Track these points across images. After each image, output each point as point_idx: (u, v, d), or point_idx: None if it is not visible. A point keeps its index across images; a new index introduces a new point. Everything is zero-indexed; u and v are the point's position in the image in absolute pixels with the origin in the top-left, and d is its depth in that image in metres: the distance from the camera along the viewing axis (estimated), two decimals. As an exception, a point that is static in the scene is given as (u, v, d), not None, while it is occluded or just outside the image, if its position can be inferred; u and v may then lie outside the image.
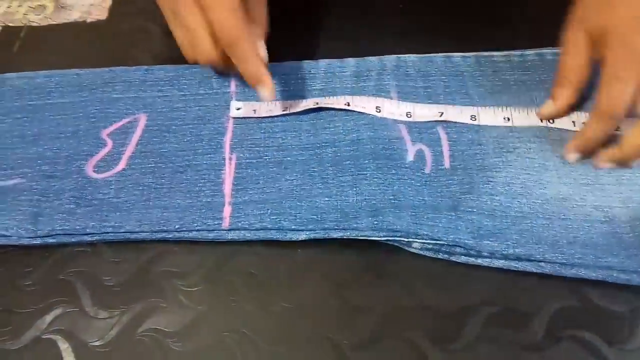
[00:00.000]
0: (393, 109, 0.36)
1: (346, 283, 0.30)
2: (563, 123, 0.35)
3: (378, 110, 0.36)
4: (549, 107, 0.34)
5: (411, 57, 0.39)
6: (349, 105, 0.36)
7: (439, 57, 0.39)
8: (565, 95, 0.33)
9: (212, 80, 0.39)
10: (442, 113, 0.36)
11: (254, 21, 0.35)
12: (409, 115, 0.36)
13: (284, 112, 0.36)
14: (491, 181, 0.33)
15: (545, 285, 0.30)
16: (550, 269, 0.29)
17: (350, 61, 0.39)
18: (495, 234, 0.30)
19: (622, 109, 0.30)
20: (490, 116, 0.36)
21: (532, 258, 0.29)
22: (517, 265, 0.30)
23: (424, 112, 0.36)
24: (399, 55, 0.39)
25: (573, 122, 0.35)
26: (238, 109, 0.37)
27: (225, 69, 0.37)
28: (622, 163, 0.32)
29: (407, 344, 0.28)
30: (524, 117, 0.35)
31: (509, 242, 0.30)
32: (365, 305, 0.30)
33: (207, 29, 0.33)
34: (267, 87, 0.34)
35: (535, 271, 0.30)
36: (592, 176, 0.33)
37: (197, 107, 0.37)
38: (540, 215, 0.31)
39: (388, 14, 0.43)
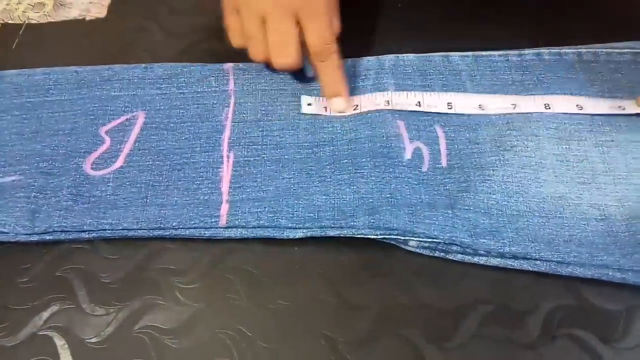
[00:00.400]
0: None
1: (343, 281, 0.30)
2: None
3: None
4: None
5: (409, 57, 0.39)
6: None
7: (437, 56, 0.39)
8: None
9: (211, 78, 0.39)
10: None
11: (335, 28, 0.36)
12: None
13: (355, 112, 0.36)
14: (488, 180, 0.33)
15: (541, 283, 0.30)
16: (546, 267, 0.29)
17: (348, 61, 0.39)
18: (491, 232, 0.30)
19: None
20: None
21: (528, 256, 0.30)
22: (513, 264, 0.30)
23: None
24: (397, 55, 0.39)
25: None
26: (309, 104, 0.37)
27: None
28: None
29: (403, 342, 0.28)
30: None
31: (505, 241, 0.30)
32: (362, 304, 0.30)
33: (297, 35, 0.34)
34: (345, 99, 0.36)
35: (531, 269, 0.30)
36: (588, 175, 0.33)
37: (196, 105, 0.37)
38: (537, 214, 0.31)
39: (386, 13, 0.43)
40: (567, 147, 0.34)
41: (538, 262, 0.30)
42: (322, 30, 0.34)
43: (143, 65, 0.39)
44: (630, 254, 0.29)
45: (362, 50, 0.39)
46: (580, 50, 0.38)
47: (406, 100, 0.36)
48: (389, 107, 0.36)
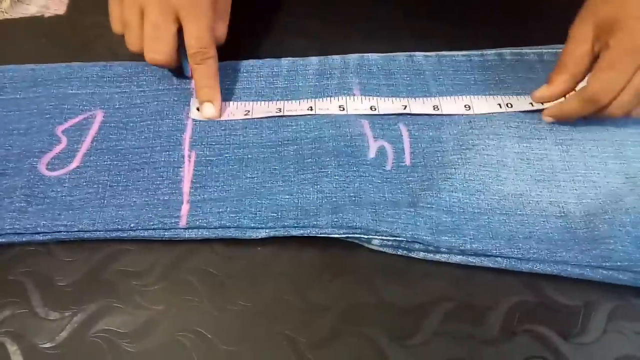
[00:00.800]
0: (357, 105, 0.36)
1: (305, 281, 0.30)
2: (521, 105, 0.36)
3: (342, 109, 0.36)
4: (543, 91, 0.35)
5: (374, 56, 0.39)
6: (312, 109, 0.36)
7: (401, 56, 0.39)
8: (561, 80, 0.34)
9: (173, 77, 0.38)
10: (406, 106, 0.36)
11: (216, 34, 0.36)
12: (373, 109, 0.36)
13: (246, 117, 0.36)
14: (450, 178, 0.33)
15: (502, 280, 0.30)
16: (506, 264, 0.30)
17: (314, 59, 0.39)
18: (453, 229, 0.31)
19: (608, 98, 0.31)
20: (452, 105, 0.36)
21: (489, 253, 0.30)
22: (474, 261, 0.30)
23: (388, 105, 0.36)
24: (362, 54, 0.39)
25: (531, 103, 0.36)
26: (198, 109, 0.36)
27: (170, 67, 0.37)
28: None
29: (365, 340, 0.28)
30: (483, 104, 0.36)
31: (466, 238, 0.30)
32: (325, 303, 0.29)
33: (174, 34, 0.34)
34: (217, 105, 0.36)
35: (492, 266, 0.30)
36: (548, 173, 0.33)
37: (156, 103, 0.37)
38: (498, 211, 0.32)
39: (352, 13, 0.43)
40: (528, 145, 0.34)
41: (499, 258, 0.30)
42: (200, 32, 0.34)
43: (102, 63, 0.38)
44: (588, 250, 0.29)
45: (328, 49, 0.39)
46: (541, 50, 0.39)
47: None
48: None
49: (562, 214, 0.31)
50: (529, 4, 0.43)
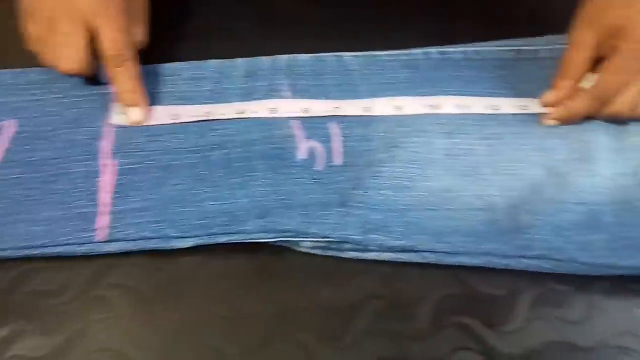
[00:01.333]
0: (289, 108, 0.36)
1: (234, 289, 0.29)
2: (478, 108, 0.36)
3: (273, 112, 0.35)
4: (550, 96, 0.36)
5: (303, 57, 0.39)
6: (242, 113, 0.35)
7: (330, 56, 0.39)
8: (564, 86, 0.35)
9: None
10: (338, 107, 0.36)
11: (134, 37, 0.34)
12: (305, 111, 0.36)
13: (173, 121, 0.35)
14: (379, 176, 0.33)
15: (430, 274, 0.30)
16: (434, 258, 0.30)
17: (241, 61, 0.38)
18: (382, 227, 0.31)
19: (616, 97, 0.33)
20: (383, 106, 0.36)
21: (417, 249, 0.30)
22: (403, 257, 0.30)
23: (321, 107, 0.36)
24: (291, 55, 0.39)
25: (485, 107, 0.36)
26: (120, 114, 0.35)
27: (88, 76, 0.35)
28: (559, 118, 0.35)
29: (296, 345, 0.28)
30: (413, 104, 0.36)
31: (394, 235, 0.30)
32: (254, 311, 0.29)
33: (87, 41, 0.33)
34: (144, 109, 0.34)
35: (420, 261, 0.30)
36: (473, 167, 0.34)
37: (73, 111, 0.35)
38: (425, 207, 0.32)
39: (280, 13, 0.42)
40: (454, 141, 0.35)
41: (426, 254, 0.30)
42: (116, 35, 0.33)
43: (15, 69, 0.36)
44: (511, 241, 0.30)
45: (256, 51, 0.39)
46: (465, 49, 0.40)
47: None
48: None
49: (487, 207, 0.32)
50: (454, 2, 0.44)
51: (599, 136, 0.35)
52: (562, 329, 0.29)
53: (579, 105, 0.35)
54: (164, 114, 0.35)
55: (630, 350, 0.28)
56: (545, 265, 0.30)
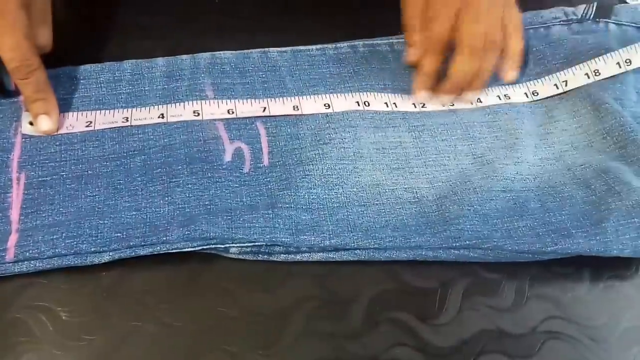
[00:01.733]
0: (213, 109, 0.34)
1: (159, 303, 0.28)
2: (405, 106, 0.36)
3: (197, 115, 0.34)
4: (412, 53, 0.37)
5: (226, 54, 0.37)
6: (163, 117, 0.33)
7: (255, 52, 0.38)
8: (418, 39, 0.37)
9: (-4, 90, 0.33)
10: (265, 108, 0.35)
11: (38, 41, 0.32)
12: (230, 112, 0.34)
13: (88, 129, 0.32)
14: (308, 174, 0.32)
15: (362, 272, 0.30)
16: (365, 255, 0.30)
17: (160, 61, 0.36)
18: (312, 227, 0.30)
19: (442, 41, 0.35)
20: (312, 104, 0.35)
21: (348, 247, 0.29)
22: (334, 256, 0.30)
23: (247, 108, 0.35)
24: (213, 53, 0.37)
25: (414, 104, 0.36)
26: (32, 123, 0.32)
27: None
28: (452, 91, 0.36)
29: (226, 355, 0.27)
30: (342, 102, 0.36)
31: (325, 234, 0.30)
32: (181, 324, 0.27)
33: None
34: (54, 117, 0.32)
35: (352, 259, 0.30)
36: (402, 160, 0.34)
37: (-23, 123, 0.32)
38: (356, 203, 0.31)
39: (202, 10, 0.40)
40: (383, 134, 0.35)
41: (357, 251, 0.30)
42: (16, 43, 0.30)
43: None
44: (440, 232, 0.30)
45: (176, 49, 0.37)
46: (391, 40, 0.40)
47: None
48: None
49: (416, 200, 0.32)
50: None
51: (524, 123, 0.36)
52: (494, 318, 0.29)
53: (426, 63, 0.36)
54: (78, 122, 0.33)
55: (560, 334, 0.29)
56: (474, 255, 0.30)
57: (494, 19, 0.35)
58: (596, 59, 0.37)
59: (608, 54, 0.37)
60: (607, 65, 0.37)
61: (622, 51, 0.37)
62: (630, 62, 0.37)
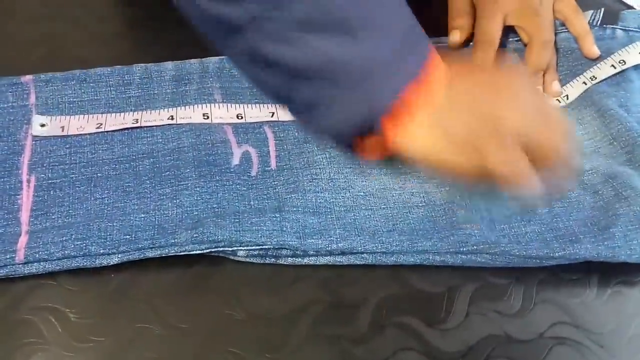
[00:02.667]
0: (222, 113, 0.35)
1: (168, 304, 0.28)
2: None
3: (206, 117, 0.34)
4: (456, 34, 0.38)
5: (235, 58, 0.37)
6: (173, 119, 0.34)
7: (263, 56, 0.38)
8: (465, 21, 0.38)
9: (8, 94, 0.34)
10: (274, 113, 0.35)
11: None
12: (239, 117, 0.34)
13: (98, 130, 0.33)
14: (316, 178, 0.32)
15: (370, 275, 0.30)
16: (372, 259, 0.30)
17: (169, 65, 0.36)
18: (320, 231, 0.30)
19: (495, 37, 0.37)
20: None
21: (355, 251, 0.29)
22: (341, 260, 0.30)
23: (255, 112, 0.35)
24: (221, 57, 0.37)
25: None
26: (42, 125, 0.33)
27: None
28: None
29: (233, 357, 0.27)
30: None
31: (332, 238, 0.30)
32: (189, 326, 0.28)
33: None
34: None
35: (359, 263, 0.30)
36: (410, 164, 0.34)
37: (-11, 125, 0.32)
38: (363, 207, 0.32)
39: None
40: (391, 139, 0.35)
41: (364, 255, 0.30)
42: None
43: None
44: (447, 237, 0.30)
45: (185, 53, 0.37)
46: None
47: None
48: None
49: (424, 204, 0.32)
50: None
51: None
52: (501, 323, 0.29)
53: (477, 56, 0.37)
54: (88, 123, 0.33)
55: (568, 340, 0.29)
56: (481, 259, 0.30)
57: (546, 9, 0.37)
58: (592, 68, 0.37)
59: (603, 60, 0.37)
60: (601, 70, 0.37)
61: (615, 54, 0.37)
62: (624, 62, 0.37)
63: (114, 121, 0.33)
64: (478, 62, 0.37)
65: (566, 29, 0.39)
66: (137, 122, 0.33)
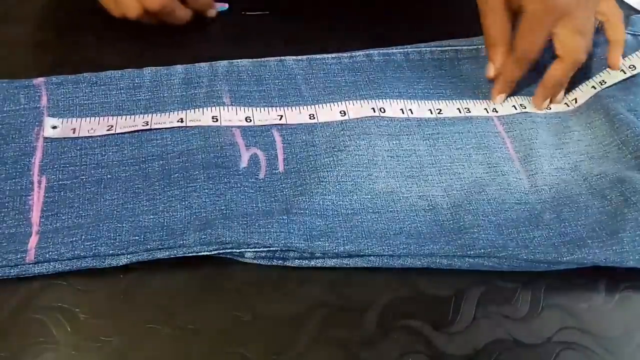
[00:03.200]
0: (231, 116, 0.35)
1: (175, 306, 0.28)
2: (422, 112, 0.36)
3: (215, 120, 0.34)
4: (490, 70, 0.37)
5: (243, 62, 0.38)
6: (182, 121, 0.34)
7: (272, 60, 0.38)
8: (500, 53, 0.37)
9: (20, 96, 0.34)
10: (282, 116, 0.35)
11: None
12: (248, 120, 0.35)
13: (109, 133, 0.33)
14: (323, 181, 0.32)
15: (377, 278, 0.30)
16: (379, 262, 0.30)
17: (179, 68, 0.37)
18: (326, 233, 0.30)
19: (536, 54, 0.35)
20: (328, 112, 0.36)
21: (362, 253, 0.30)
22: (348, 262, 0.30)
23: (264, 116, 0.35)
24: (230, 61, 0.38)
25: (430, 110, 0.37)
26: (54, 127, 0.33)
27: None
28: (546, 96, 0.37)
29: (240, 359, 0.27)
30: (358, 109, 0.36)
31: (339, 240, 0.30)
32: (197, 327, 0.28)
33: None
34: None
35: (366, 266, 0.30)
36: (417, 168, 0.34)
37: (2, 126, 0.33)
38: (370, 210, 0.32)
39: (220, 19, 0.41)
40: (397, 142, 0.35)
41: (371, 257, 0.30)
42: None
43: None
44: (454, 240, 0.30)
45: (195, 57, 0.38)
46: (407, 50, 0.40)
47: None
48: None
49: (430, 207, 0.32)
50: (393, 4, 0.44)
51: (539, 132, 0.36)
52: (508, 327, 0.29)
53: (510, 71, 0.36)
54: (99, 125, 0.33)
55: (575, 345, 0.28)
56: (488, 263, 0.30)
57: (591, 26, 0.36)
58: (601, 72, 0.37)
59: None
60: (611, 75, 0.37)
61: (625, 59, 0.37)
62: (634, 67, 0.37)
63: (125, 123, 0.34)
64: (508, 76, 0.36)
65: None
66: (147, 124, 0.34)
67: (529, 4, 0.34)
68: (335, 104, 0.36)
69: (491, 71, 0.37)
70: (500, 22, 0.36)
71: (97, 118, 0.34)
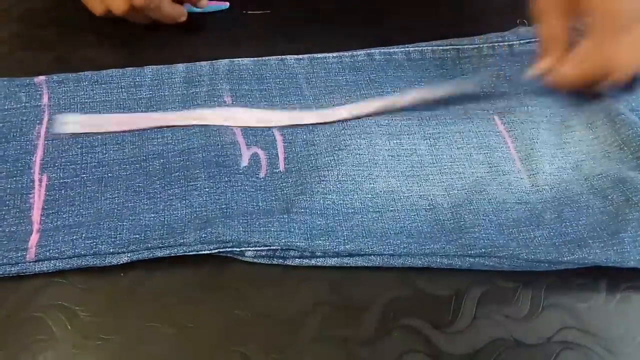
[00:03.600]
0: (243, 118, 0.35)
1: (177, 304, 0.28)
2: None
3: (228, 121, 0.34)
4: (544, 63, 0.35)
5: (244, 61, 0.38)
6: (200, 119, 0.34)
7: (273, 59, 0.38)
8: (554, 57, 0.35)
9: (21, 94, 0.34)
10: (293, 117, 0.35)
11: None
12: (259, 121, 0.35)
13: (109, 131, 0.33)
14: (323, 180, 0.32)
15: (377, 277, 0.30)
16: (379, 261, 0.30)
17: (180, 66, 0.37)
18: (327, 232, 0.30)
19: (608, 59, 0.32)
20: (330, 115, 0.36)
21: (362, 252, 0.30)
22: (349, 262, 0.30)
23: (275, 117, 0.35)
24: (232, 59, 0.38)
25: None
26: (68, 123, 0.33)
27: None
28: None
29: (240, 357, 0.27)
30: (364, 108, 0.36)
31: (340, 239, 0.30)
32: (198, 326, 0.28)
33: None
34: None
35: (366, 265, 0.30)
36: (417, 167, 0.34)
37: (1, 125, 0.33)
38: (371, 209, 0.32)
39: (221, 17, 0.41)
40: (398, 141, 0.35)
41: (372, 257, 0.30)
42: None
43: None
44: (455, 240, 0.30)
45: (196, 55, 0.38)
46: (408, 49, 0.40)
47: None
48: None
49: (431, 207, 0.32)
50: (393, 4, 0.44)
51: (541, 132, 0.36)
52: (509, 326, 0.29)
53: (569, 71, 0.34)
54: (109, 122, 0.33)
55: (576, 345, 0.28)
56: (489, 263, 0.30)
57: None
58: None
59: None
60: None
61: None
62: None
63: (137, 122, 0.34)
64: (559, 75, 0.34)
65: None
66: (157, 121, 0.34)
67: (594, 6, 0.32)
68: (339, 107, 0.36)
69: (543, 64, 0.35)
70: (557, 30, 0.34)
71: (107, 116, 0.34)
